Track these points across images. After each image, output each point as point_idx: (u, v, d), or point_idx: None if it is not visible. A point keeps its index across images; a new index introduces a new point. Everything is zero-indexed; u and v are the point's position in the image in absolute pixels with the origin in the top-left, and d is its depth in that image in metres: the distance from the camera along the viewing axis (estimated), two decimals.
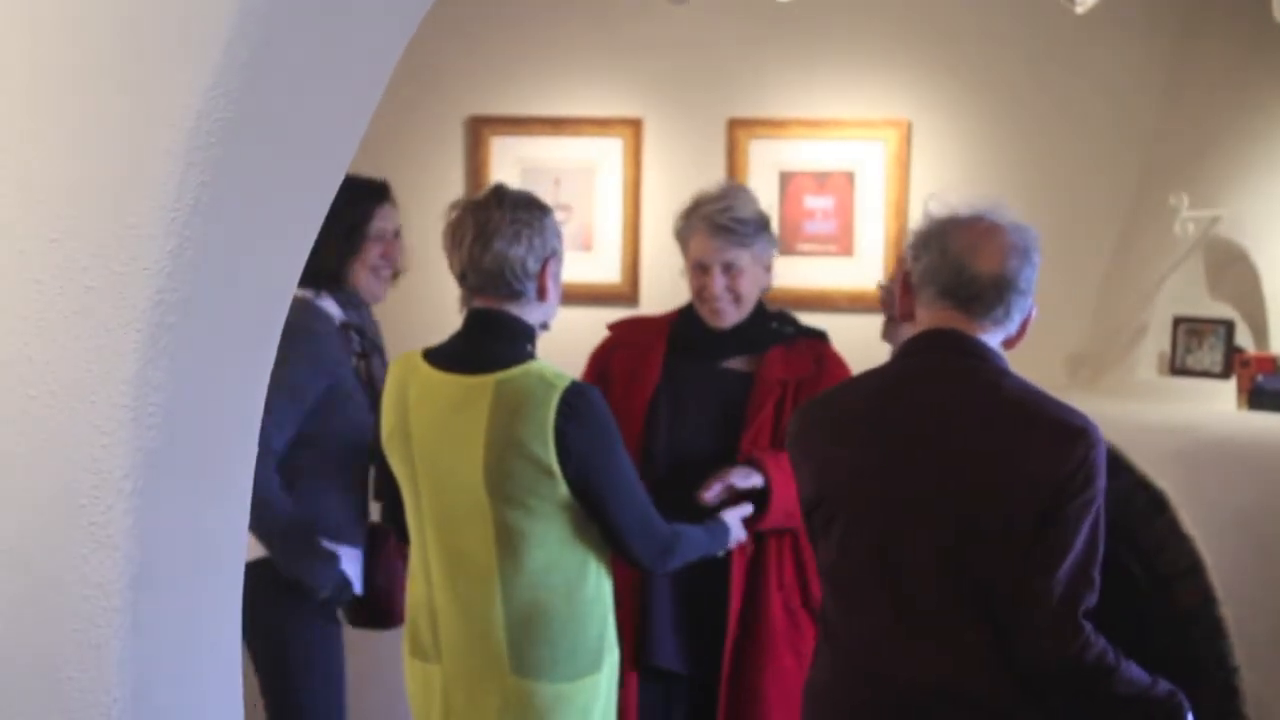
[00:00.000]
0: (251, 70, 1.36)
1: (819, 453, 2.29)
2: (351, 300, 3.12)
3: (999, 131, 4.29)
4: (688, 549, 2.66)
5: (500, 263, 2.48)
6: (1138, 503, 3.48)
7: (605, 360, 3.07)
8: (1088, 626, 2.09)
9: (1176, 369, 3.80)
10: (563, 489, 2.44)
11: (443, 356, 2.56)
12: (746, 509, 2.82)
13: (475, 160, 4.39)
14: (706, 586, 2.89)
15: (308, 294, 2.99)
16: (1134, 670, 2.13)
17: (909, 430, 2.18)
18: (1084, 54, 4.19)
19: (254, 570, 1.84)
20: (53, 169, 1.36)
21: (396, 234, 3.22)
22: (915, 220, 2.36)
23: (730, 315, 2.99)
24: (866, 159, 4.29)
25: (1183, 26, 4.14)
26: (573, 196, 4.34)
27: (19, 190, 1.36)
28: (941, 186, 4.14)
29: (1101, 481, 2.09)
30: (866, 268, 4.25)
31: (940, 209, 2.25)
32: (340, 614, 3.19)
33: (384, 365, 3.16)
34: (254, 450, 1.61)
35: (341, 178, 1.64)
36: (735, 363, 3.04)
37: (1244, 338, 3.69)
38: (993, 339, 2.21)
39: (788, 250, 4.30)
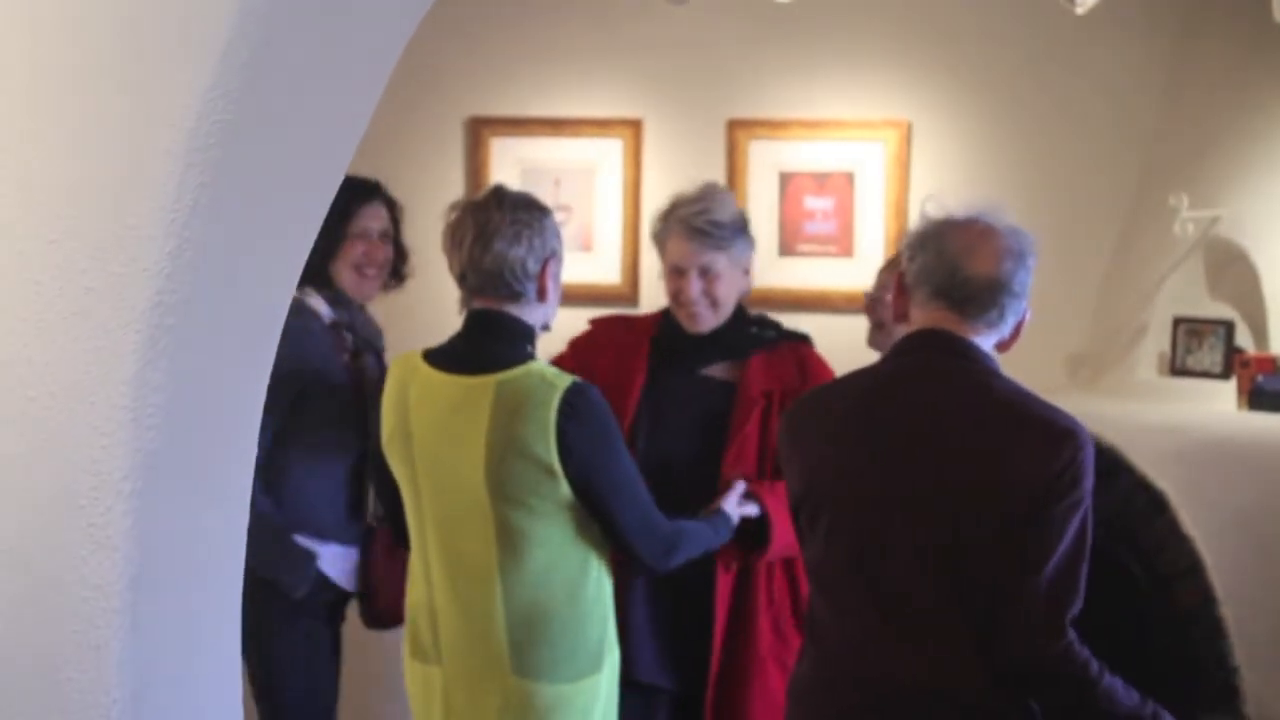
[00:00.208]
0: (251, 71, 1.36)
1: (807, 450, 2.30)
2: (340, 299, 3.11)
3: (999, 132, 4.29)
4: (691, 545, 2.65)
5: (500, 263, 2.48)
6: (1138, 503, 3.48)
7: (589, 359, 2.96)
8: (1072, 633, 2.08)
9: (1176, 369, 3.79)
10: (564, 488, 2.44)
11: (443, 357, 2.56)
12: (750, 509, 2.79)
13: (475, 161, 4.39)
14: (690, 600, 2.85)
15: (296, 291, 2.99)
16: (1119, 689, 2.11)
17: (897, 429, 2.18)
18: (1084, 54, 4.19)
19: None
20: (52, 170, 1.36)
21: (384, 235, 3.21)
22: (915, 221, 2.37)
23: (707, 320, 2.93)
24: (866, 159, 4.29)
25: (1183, 27, 4.14)
26: (572, 197, 4.34)
27: (18, 191, 1.36)
28: (941, 187, 4.15)
29: (1089, 483, 2.09)
30: (866, 268, 4.23)
31: (937, 210, 2.25)
32: (359, 614, 3.20)
33: (378, 364, 3.16)
34: (253, 451, 1.61)
35: (341, 178, 1.65)
36: (716, 370, 2.98)
37: (1244, 338, 3.69)
38: (985, 341, 2.22)
39: (787, 251, 4.31)
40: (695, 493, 2.81)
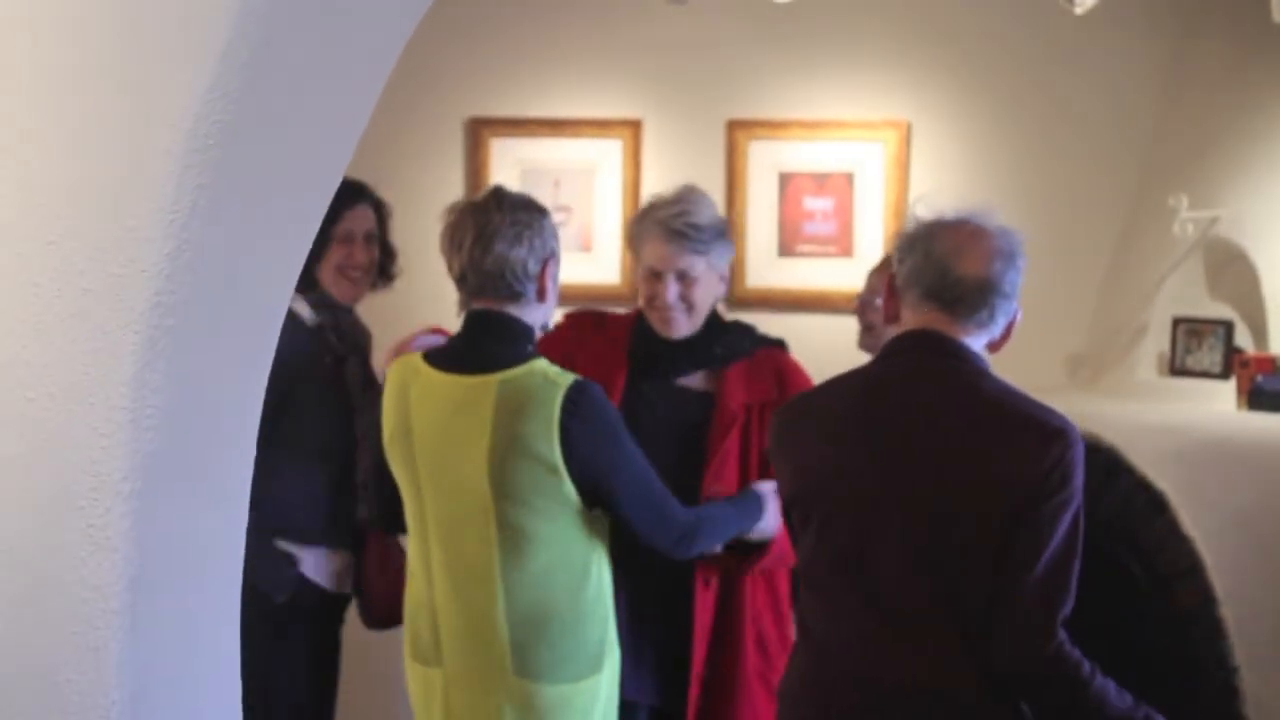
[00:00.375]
0: (250, 72, 1.36)
1: (799, 451, 2.31)
2: (324, 301, 3.10)
3: (998, 132, 4.29)
4: (714, 530, 2.63)
5: (501, 265, 2.49)
6: (1137, 503, 3.48)
7: (563, 359, 2.78)
8: (1063, 634, 2.08)
9: (1176, 369, 3.79)
10: (567, 487, 2.44)
11: (443, 357, 2.56)
12: (772, 485, 2.70)
13: (475, 162, 4.39)
14: (672, 615, 2.79)
15: None
16: (1111, 691, 2.10)
17: (888, 430, 2.19)
18: (1083, 55, 4.19)
19: None
20: (51, 171, 1.36)
21: (369, 237, 3.20)
22: (906, 222, 2.37)
23: (682, 325, 2.84)
24: (866, 160, 4.29)
25: (1182, 27, 4.14)
26: (572, 198, 4.34)
27: (17, 192, 1.36)
28: (941, 187, 4.16)
29: (1078, 481, 2.09)
30: (866, 269, 4.24)
31: (927, 212, 2.26)
32: (360, 615, 3.20)
33: (363, 367, 3.17)
34: (252, 452, 1.61)
35: (339, 179, 1.65)
36: (693, 380, 2.90)
37: (1243, 338, 3.69)
38: (976, 342, 2.22)
39: (787, 251, 4.31)
40: (671, 488, 2.70)
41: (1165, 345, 3.85)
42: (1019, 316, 2.26)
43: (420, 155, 4.40)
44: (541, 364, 2.50)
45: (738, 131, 4.32)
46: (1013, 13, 4.20)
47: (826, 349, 3.52)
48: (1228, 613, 3.29)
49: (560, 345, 2.86)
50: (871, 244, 4.27)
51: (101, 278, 1.34)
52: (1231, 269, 3.76)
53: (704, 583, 2.77)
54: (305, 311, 3.06)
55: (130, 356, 1.35)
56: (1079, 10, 3.41)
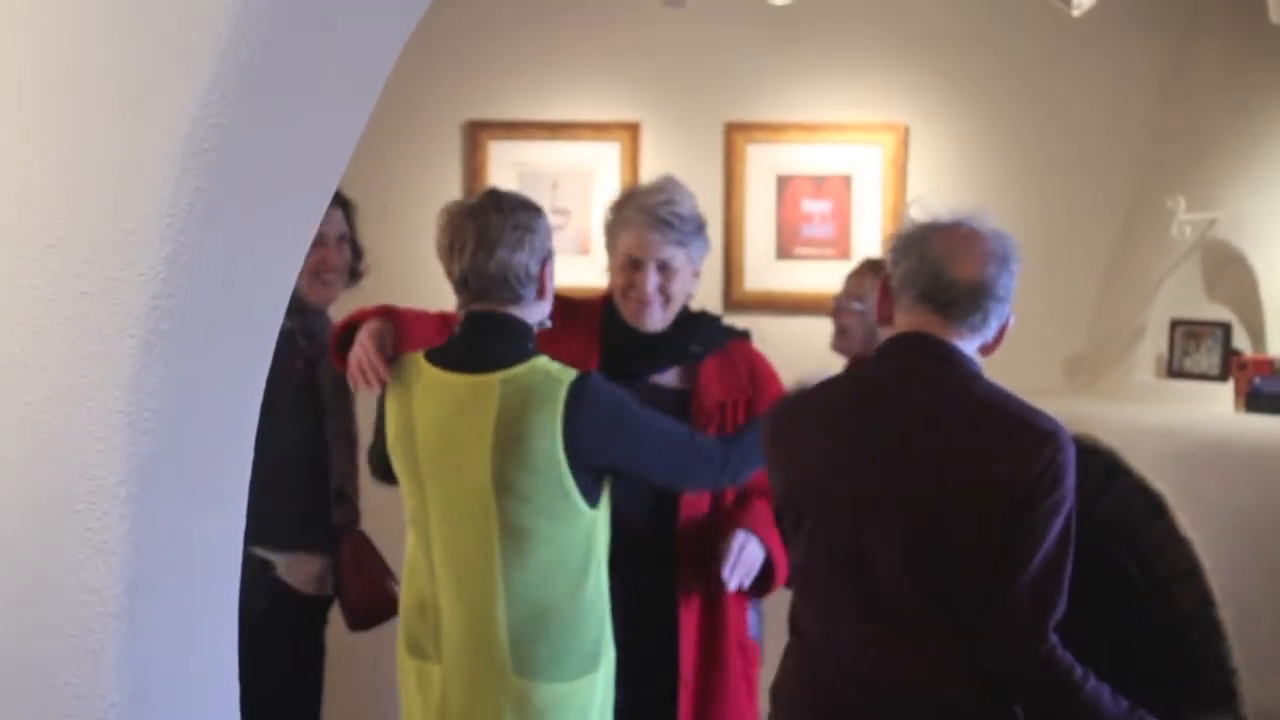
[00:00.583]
0: (248, 75, 1.36)
1: (792, 453, 2.31)
2: (295, 305, 3.10)
3: (996, 134, 4.29)
4: (751, 449, 2.62)
5: (504, 269, 2.50)
6: (1136, 505, 3.48)
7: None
8: (1055, 638, 2.08)
9: (1174, 371, 3.79)
10: (569, 484, 2.46)
11: (445, 356, 2.57)
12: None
13: (473, 165, 4.39)
14: (654, 632, 2.74)
15: None
16: (1105, 696, 2.10)
17: (880, 432, 2.19)
18: (1080, 57, 4.20)
19: None
20: (49, 174, 1.36)
21: (341, 238, 3.20)
22: (900, 225, 2.37)
23: (657, 318, 2.77)
24: (864, 163, 4.29)
25: (1179, 29, 4.14)
26: (570, 200, 4.34)
27: (15, 195, 1.36)
28: (938, 190, 4.16)
29: (1069, 484, 2.09)
30: None
31: (921, 214, 2.26)
32: (343, 617, 3.21)
33: (333, 370, 3.17)
34: (249, 455, 1.61)
35: (337, 182, 1.65)
36: (666, 378, 2.82)
37: (1241, 340, 3.69)
38: (969, 345, 2.22)
39: (785, 254, 4.32)
40: (650, 506, 2.71)
41: (1163, 347, 3.85)
42: (1012, 320, 2.26)
43: (418, 158, 4.40)
44: (543, 361, 2.51)
45: (736, 134, 4.32)
46: (1010, 15, 4.21)
47: (824, 351, 3.52)
48: (1226, 615, 3.29)
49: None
50: (869, 246, 4.26)
51: (99, 281, 1.34)
52: (1229, 271, 3.76)
53: (684, 598, 2.75)
54: None
55: (127, 360, 1.35)
56: (1076, 13, 3.42)
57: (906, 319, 2.24)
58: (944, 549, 2.10)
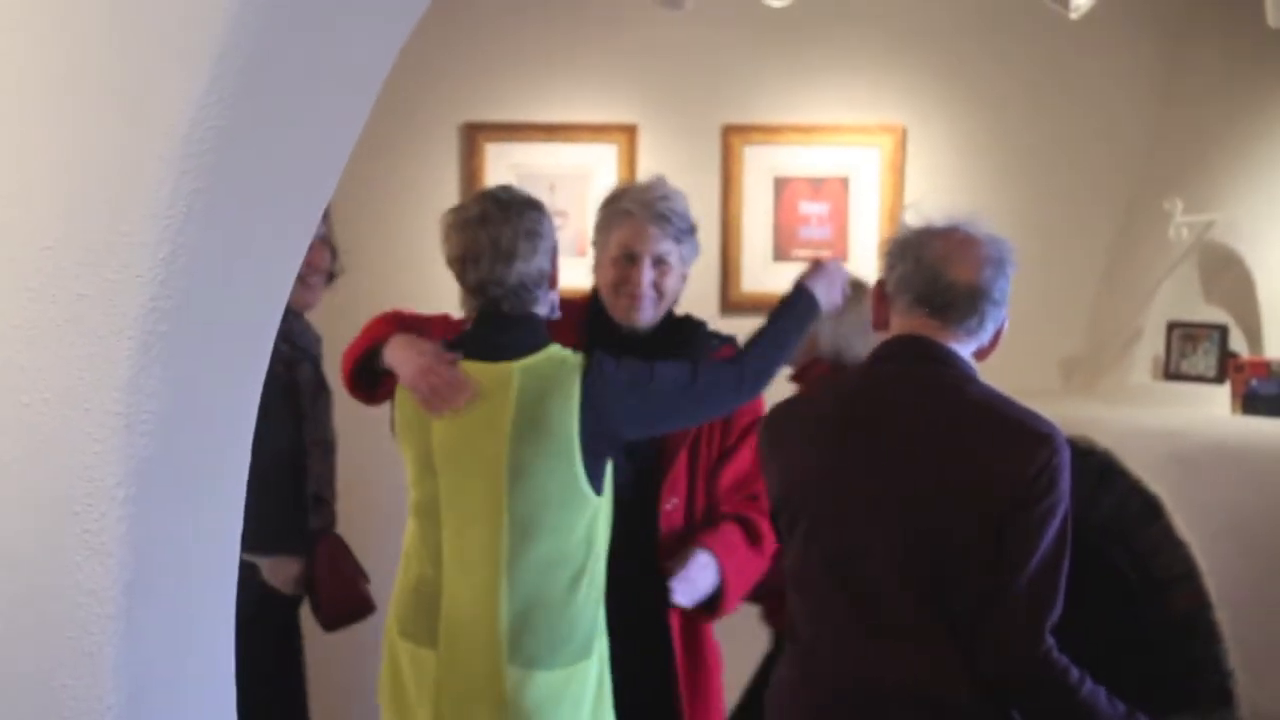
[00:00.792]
0: (245, 77, 1.36)
1: (787, 455, 2.32)
2: None
3: (994, 136, 4.30)
4: (769, 354, 2.65)
5: (522, 279, 2.53)
6: (1132, 507, 3.49)
7: None
8: (1051, 640, 2.08)
9: (1171, 373, 3.80)
10: (580, 467, 2.48)
11: (462, 347, 2.59)
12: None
13: (470, 166, 4.39)
14: (640, 645, 2.72)
15: None
16: (1101, 699, 2.10)
17: (875, 434, 2.20)
18: (1078, 59, 4.20)
19: None
20: (46, 175, 1.36)
21: (323, 240, 3.21)
22: (895, 230, 2.38)
23: (649, 314, 2.75)
24: (861, 165, 4.29)
25: (1177, 31, 4.15)
26: (568, 202, 4.34)
27: (12, 196, 1.36)
28: (936, 192, 4.17)
29: (1065, 486, 2.10)
30: (862, 273, 4.25)
31: (915, 219, 2.27)
32: (314, 617, 3.23)
33: (315, 372, 3.17)
34: (246, 457, 1.61)
35: (335, 184, 1.65)
36: None
37: (1238, 342, 3.69)
38: (964, 348, 2.23)
39: (782, 256, 4.32)
40: (629, 515, 2.67)
41: (1160, 349, 3.85)
42: (1007, 325, 2.27)
43: (416, 160, 4.40)
44: (555, 348, 2.55)
45: (733, 136, 4.33)
46: (1008, 17, 4.21)
47: None
48: (1223, 616, 3.29)
49: None
50: (867, 248, 4.27)
51: (96, 283, 1.34)
52: (1226, 273, 3.76)
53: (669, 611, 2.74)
54: None
55: (125, 361, 1.35)
56: (1074, 15, 3.42)
57: (902, 322, 2.25)
58: (940, 551, 2.10)
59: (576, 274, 4.17)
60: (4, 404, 1.36)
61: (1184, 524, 3.38)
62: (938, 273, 2.20)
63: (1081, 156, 4.26)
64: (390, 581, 2.71)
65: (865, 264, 4.26)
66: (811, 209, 4.31)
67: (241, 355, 1.56)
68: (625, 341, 2.74)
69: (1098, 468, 3.54)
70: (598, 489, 2.53)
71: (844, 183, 4.30)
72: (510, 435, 2.48)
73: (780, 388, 2.80)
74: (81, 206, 1.35)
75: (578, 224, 4.34)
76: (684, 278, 2.82)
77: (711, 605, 2.73)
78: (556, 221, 2.69)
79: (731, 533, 2.75)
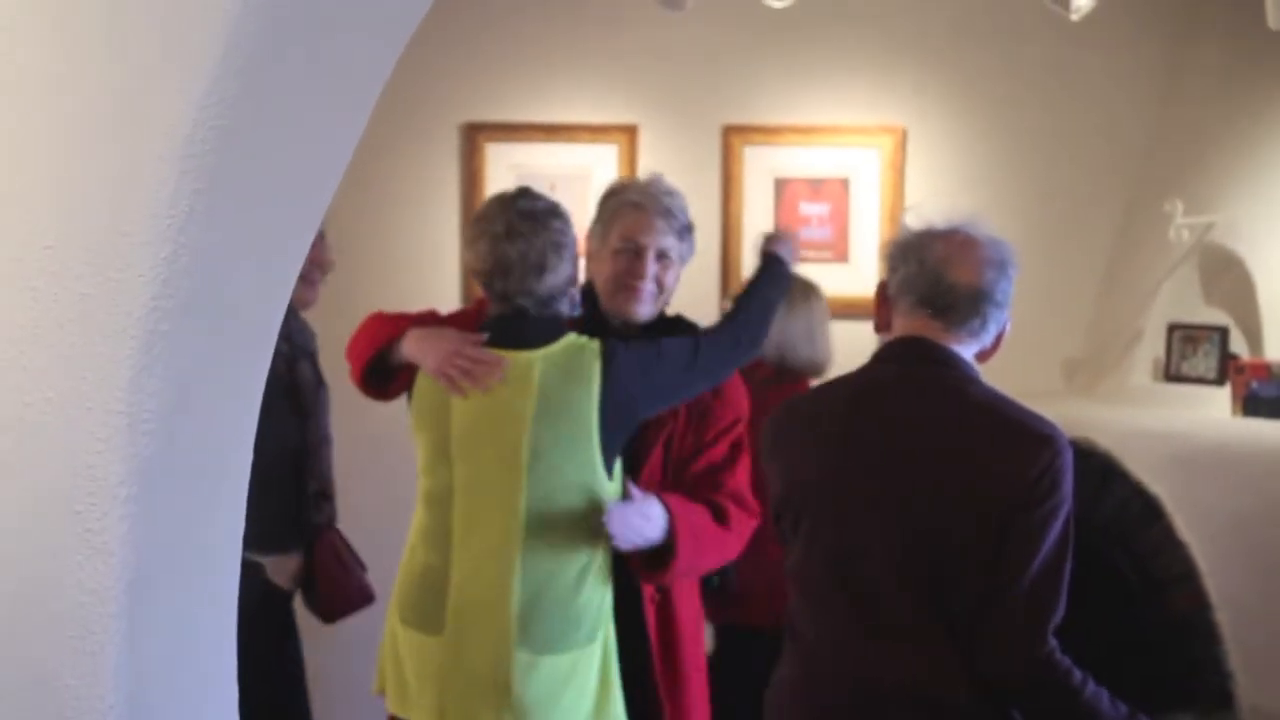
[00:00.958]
0: (246, 77, 1.36)
1: (789, 455, 2.32)
2: None
3: (994, 138, 4.30)
4: (759, 320, 2.79)
5: (553, 288, 2.60)
6: (1133, 509, 3.49)
7: None
8: (1053, 642, 2.08)
9: (1171, 375, 3.80)
10: (597, 452, 2.53)
11: (484, 333, 2.61)
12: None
13: (470, 166, 4.39)
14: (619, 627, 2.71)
15: None
16: (1104, 701, 2.10)
17: (875, 434, 2.20)
18: (1078, 60, 4.21)
19: None
20: (47, 175, 1.36)
21: (321, 236, 3.22)
22: (896, 232, 2.39)
23: (648, 308, 2.75)
24: (862, 165, 4.30)
25: (1177, 33, 4.15)
26: (568, 203, 4.23)
27: (14, 196, 1.36)
28: (937, 193, 4.17)
29: (1067, 488, 2.10)
30: (862, 274, 4.26)
31: (916, 222, 2.28)
32: (310, 611, 3.26)
33: (313, 370, 3.18)
34: (249, 457, 1.61)
35: (336, 184, 1.64)
36: None
37: (1238, 344, 3.70)
38: (966, 350, 2.24)
39: None
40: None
41: (1160, 351, 3.85)
42: (1009, 327, 2.27)
43: (416, 160, 4.41)
44: (572, 335, 2.61)
45: (733, 137, 4.33)
46: (1008, 18, 4.21)
47: None
48: (1223, 617, 3.30)
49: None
50: (867, 249, 4.28)
51: (98, 282, 1.34)
52: (1227, 275, 3.77)
53: (650, 598, 2.73)
54: None
55: (127, 361, 1.34)
56: (1074, 16, 3.43)
57: (904, 323, 2.26)
58: (942, 552, 2.11)
59: None
60: (6, 403, 1.36)
61: (1184, 525, 3.38)
62: (940, 275, 2.21)
63: (1082, 157, 4.26)
64: (384, 576, 2.71)
65: (866, 265, 4.27)
66: (812, 210, 4.32)
67: (244, 354, 1.56)
68: (619, 336, 2.73)
69: (1099, 469, 3.54)
70: (610, 474, 2.57)
71: (844, 183, 4.30)
72: (531, 421, 2.52)
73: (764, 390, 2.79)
74: (83, 206, 1.35)
75: (577, 225, 4.30)
76: (678, 278, 2.82)
77: (661, 562, 2.63)
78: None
79: (694, 504, 2.68)
